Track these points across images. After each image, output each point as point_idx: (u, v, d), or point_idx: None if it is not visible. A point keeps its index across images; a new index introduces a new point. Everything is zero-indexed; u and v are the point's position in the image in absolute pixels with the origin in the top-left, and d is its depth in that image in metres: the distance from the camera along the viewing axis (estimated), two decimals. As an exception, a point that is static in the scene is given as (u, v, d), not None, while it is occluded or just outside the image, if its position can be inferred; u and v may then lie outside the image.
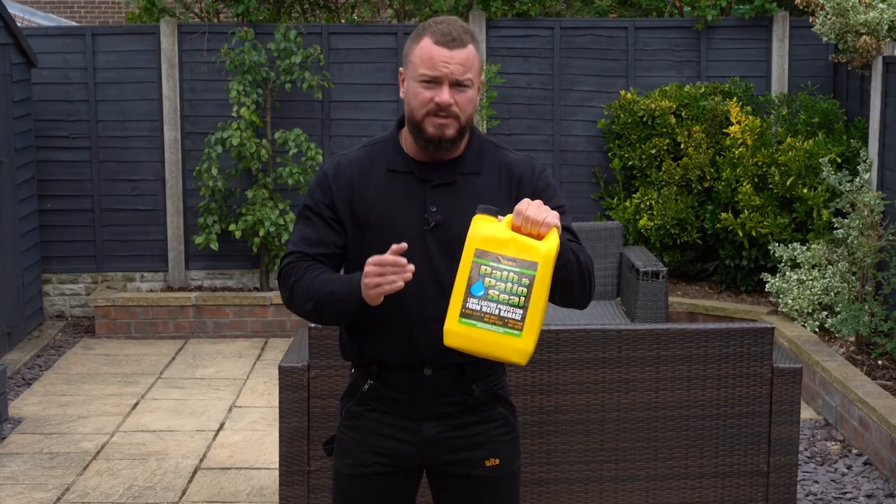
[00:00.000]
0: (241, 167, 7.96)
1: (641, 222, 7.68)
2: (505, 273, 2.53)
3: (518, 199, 2.69)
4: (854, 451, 5.51)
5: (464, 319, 2.54)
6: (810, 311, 6.76)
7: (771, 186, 7.41)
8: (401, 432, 2.83)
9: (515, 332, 2.54)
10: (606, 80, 8.23)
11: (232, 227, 7.84)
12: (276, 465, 4.78)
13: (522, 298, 2.53)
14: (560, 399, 3.88)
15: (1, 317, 7.12)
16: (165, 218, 8.20)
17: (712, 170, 7.72)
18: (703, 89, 7.95)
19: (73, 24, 14.00)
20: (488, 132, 8.01)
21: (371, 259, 2.61)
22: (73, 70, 8.12)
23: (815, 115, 7.64)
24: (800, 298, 6.79)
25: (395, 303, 2.69)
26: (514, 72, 8.19)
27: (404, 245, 2.59)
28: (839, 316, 6.40)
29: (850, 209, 6.79)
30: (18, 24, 7.74)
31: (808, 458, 5.46)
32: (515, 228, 2.56)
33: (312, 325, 3.82)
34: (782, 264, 7.20)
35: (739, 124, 7.59)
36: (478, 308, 2.53)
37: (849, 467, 5.33)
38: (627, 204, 7.86)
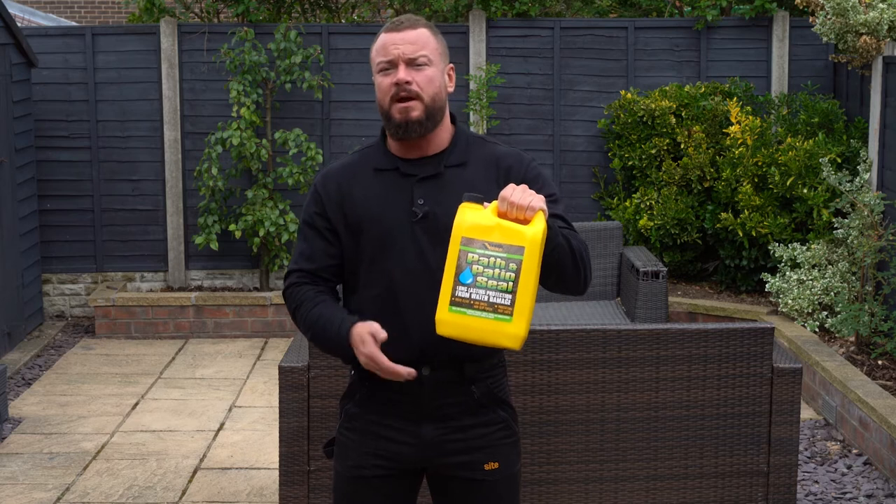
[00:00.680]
0: (241, 167, 7.96)
1: (641, 222, 7.68)
2: (492, 259, 2.54)
3: None
4: (854, 451, 5.51)
5: (454, 308, 2.55)
6: (810, 311, 6.76)
7: (771, 186, 7.41)
8: (400, 434, 2.82)
9: (506, 317, 2.55)
10: (606, 80, 8.23)
11: (232, 227, 7.84)
12: (276, 465, 4.78)
13: (511, 283, 2.54)
14: (560, 399, 3.88)
15: (1, 317, 7.12)
16: (165, 218, 8.20)
17: (712, 170, 7.72)
18: (703, 89, 7.95)
19: (73, 24, 14.00)
20: (488, 132, 8.01)
21: (368, 353, 2.67)
22: (73, 70, 8.13)
23: (815, 115, 7.64)
24: (800, 298, 6.79)
25: (388, 297, 2.70)
26: (514, 72, 8.19)
27: (384, 336, 2.66)
28: (839, 316, 6.40)
29: (850, 209, 6.79)
30: (18, 24, 7.74)
31: (808, 458, 5.46)
32: (501, 214, 2.57)
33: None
34: (782, 264, 7.20)
35: (739, 124, 7.59)
36: (467, 296, 2.54)
37: (849, 467, 5.33)
38: (627, 204, 7.86)
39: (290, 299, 2.86)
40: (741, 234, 7.45)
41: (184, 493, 5.13)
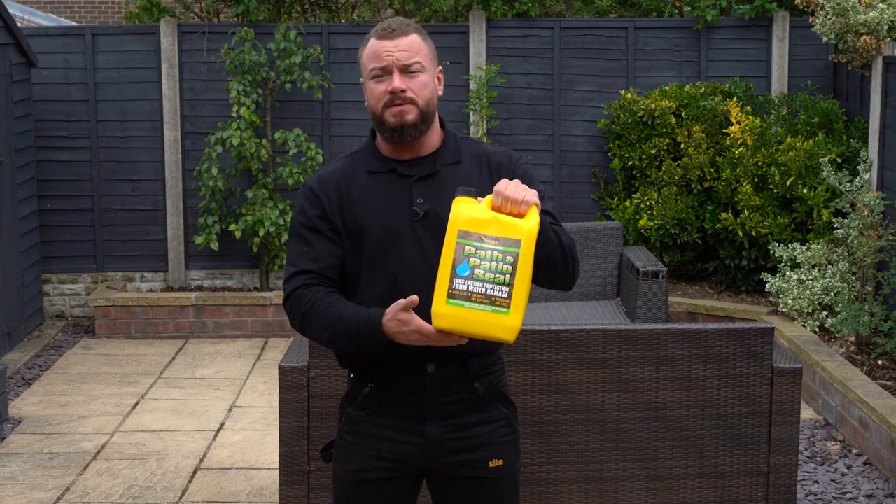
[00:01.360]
0: (241, 167, 7.96)
1: (641, 222, 7.68)
2: (489, 252, 2.55)
3: None
4: (854, 451, 5.51)
5: (451, 300, 2.56)
6: (810, 311, 6.76)
7: (771, 186, 7.41)
8: (404, 435, 2.82)
9: (503, 309, 2.55)
10: (606, 80, 8.23)
11: (232, 227, 7.84)
12: (276, 465, 4.78)
13: (508, 276, 2.55)
14: (560, 399, 3.88)
15: (1, 317, 7.12)
16: (165, 218, 8.20)
17: (712, 170, 7.72)
18: (703, 89, 7.95)
19: (73, 24, 14.00)
20: (488, 132, 8.02)
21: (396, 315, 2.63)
22: (73, 70, 8.13)
23: (815, 115, 7.64)
24: (800, 298, 6.79)
25: (391, 296, 2.70)
26: (514, 72, 8.19)
27: (415, 298, 2.61)
28: (839, 316, 6.40)
29: (850, 209, 6.79)
30: (18, 24, 7.74)
31: (808, 458, 5.46)
32: (496, 208, 2.58)
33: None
34: (782, 264, 7.20)
35: (739, 124, 7.59)
36: (464, 288, 2.55)
37: (849, 467, 5.33)
38: (627, 204, 7.86)
39: (299, 302, 2.77)
40: (741, 234, 7.45)
41: (184, 493, 5.13)
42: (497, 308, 2.55)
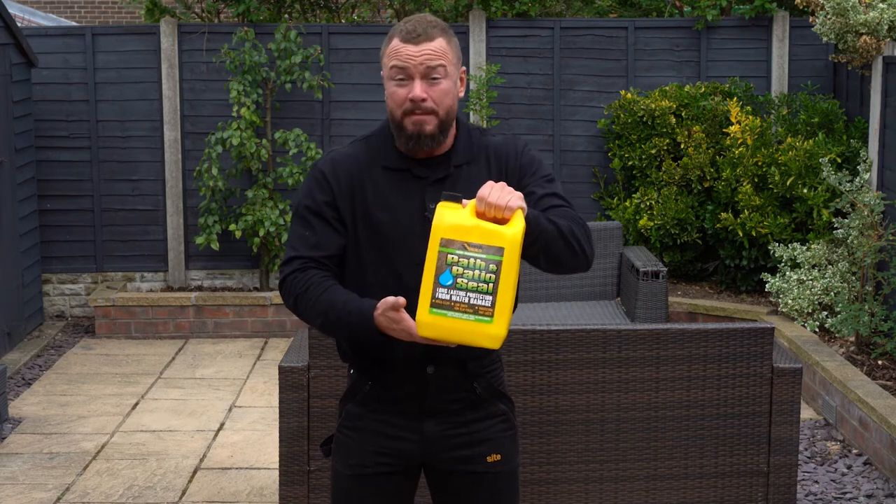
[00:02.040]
0: (241, 167, 7.96)
1: (641, 222, 7.68)
2: (472, 260, 2.53)
3: (507, 178, 2.75)
4: (854, 451, 5.51)
5: (434, 309, 2.54)
6: (810, 311, 6.76)
7: (771, 186, 7.41)
8: (403, 431, 2.82)
9: (486, 318, 2.54)
10: (606, 80, 8.23)
11: (232, 227, 7.84)
12: (276, 465, 4.78)
13: (491, 285, 2.53)
14: (560, 399, 3.88)
15: (1, 317, 7.12)
16: (165, 218, 8.20)
17: (712, 170, 7.72)
18: (703, 89, 7.95)
19: (73, 24, 14.00)
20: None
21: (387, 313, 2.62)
22: (73, 70, 8.13)
23: (815, 115, 7.64)
24: (800, 298, 6.79)
25: (396, 295, 2.69)
26: (514, 72, 8.19)
27: (402, 300, 2.60)
28: (839, 316, 6.40)
29: (850, 209, 6.79)
30: (18, 24, 7.74)
31: (808, 458, 5.46)
32: (480, 214, 2.55)
33: (312, 325, 3.81)
34: (782, 264, 7.20)
35: (739, 124, 7.59)
36: (447, 297, 2.53)
37: (849, 467, 5.33)
38: (627, 204, 7.86)
39: (293, 285, 2.74)
40: (741, 234, 7.45)
41: (184, 493, 5.13)
42: (480, 317, 2.54)
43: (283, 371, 3.89)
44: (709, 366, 3.89)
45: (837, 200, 6.96)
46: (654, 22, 8.38)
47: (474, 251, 2.53)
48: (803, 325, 6.69)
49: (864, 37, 6.85)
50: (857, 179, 6.71)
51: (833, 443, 5.65)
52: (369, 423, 2.85)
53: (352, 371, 2.91)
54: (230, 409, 6.29)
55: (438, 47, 2.71)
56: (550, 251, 2.64)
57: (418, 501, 2.97)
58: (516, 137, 2.90)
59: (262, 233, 7.76)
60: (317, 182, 2.80)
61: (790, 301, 6.81)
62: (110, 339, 7.76)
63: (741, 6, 8.11)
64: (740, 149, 7.52)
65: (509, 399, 2.92)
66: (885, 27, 6.84)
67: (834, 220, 6.95)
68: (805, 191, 7.29)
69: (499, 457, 2.86)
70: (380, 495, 2.86)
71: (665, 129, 7.81)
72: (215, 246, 7.86)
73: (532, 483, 3.91)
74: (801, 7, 7.45)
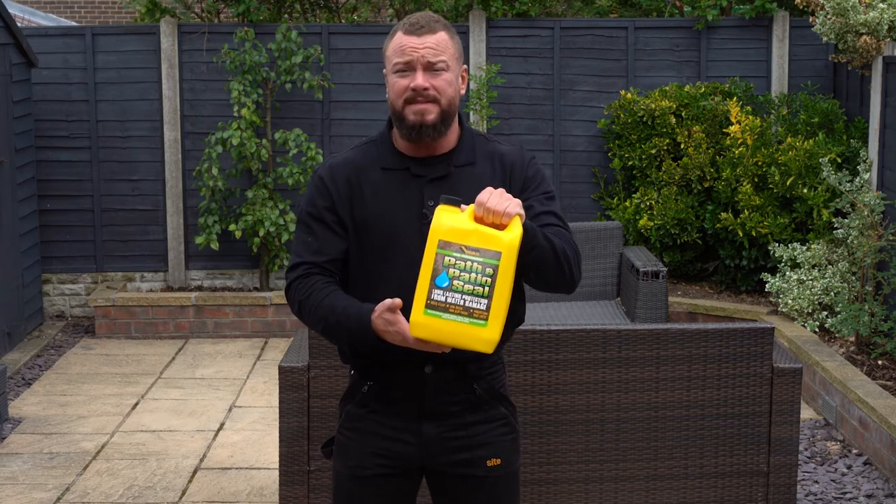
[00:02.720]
0: (241, 167, 7.96)
1: (641, 222, 7.68)
2: (469, 263, 2.54)
3: (510, 188, 2.74)
4: (854, 451, 5.51)
5: (429, 311, 2.55)
6: (810, 311, 6.76)
7: (771, 186, 7.41)
8: (402, 433, 2.82)
9: (481, 321, 2.55)
10: (606, 80, 8.23)
11: (232, 227, 7.84)
12: (276, 465, 4.78)
13: (486, 289, 2.54)
14: (560, 399, 3.88)
15: (1, 317, 7.12)
16: (165, 218, 8.20)
17: (712, 170, 7.72)
18: (703, 89, 7.96)
19: (73, 24, 14.00)
20: (488, 132, 8.01)
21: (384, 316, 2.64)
22: (73, 70, 8.13)
23: (815, 115, 7.64)
24: (800, 298, 6.79)
25: (397, 295, 2.69)
26: (514, 72, 8.19)
27: (398, 301, 2.62)
28: (839, 316, 6.40)
29: (850, 209, 6.79)
30: (18, 24, 7.74)
31: (808, 458, 5.46)
32: (478, 219, 2.57)
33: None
34: (782, 264, 7.20)
35: (739, 124, 7.59)
36: (443, 299, 2.54)
37: (849, 467, 5.33)
38: (627, 204, 7.86)
39: (297, 291, 2.78)
40: (741, 234, 7.45)
41: (184, 493, 5.13)
42: (475, 320, 2.55)
43: (283, 371, 3.89)
44: (709, 366, 3.89)
45: (837, 200, 6.96)
46: (654, 22, 8.38)
47: (471, 254, 2.54)
48: (803, 325, 6.69)
49: (864, 37, 6.85)
50: (857, 179, 6.71)
51: (833, 443, 5.65)
52: (368, 425, 2.85)
53: (352, 372, 2.91)
54: (230, 409, 6.29)
55: (441, 40, 2.73)
56: (542, 266, 2.65)
57: (419, 502, 2.97)
58: (524, 149, 2.90)
59: (262, 233, 7.76)
60: (317, 188, 2.83)
61: (790, 301, 6.81)
62: (110, 339, 7.76)
63: (741, 6, 8.11)
64: (740, 149, 7.52)
65: (510, 402, 2.91)
66: (885, 27, 6.84)
67: (834, 220, 6.95)
68: (805, 191, 7.29)
69: (498, 461, 2.85)
70: (380, 496, 2.86)
71: (665, 129, 7.81)
72: (215, 246, 7.87)
73: (532, 483, 3.91)
74: (801, 7, 7.45)
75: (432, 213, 2.71)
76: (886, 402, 5.30)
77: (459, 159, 2.80)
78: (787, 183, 7.31)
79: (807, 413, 6.00)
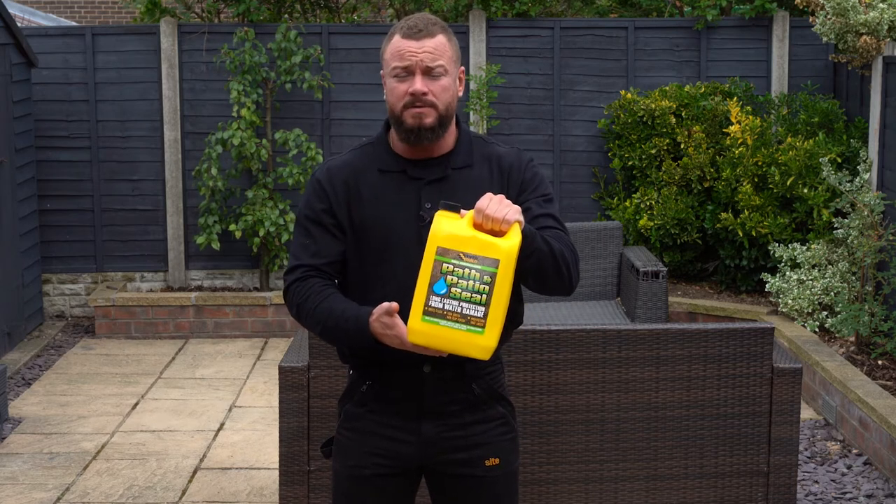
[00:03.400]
0: (241, 167, 7.96)
1: (641, 222, 7.68)
2: (467, 271, 2.54)
3: (507, 190, 2.74)
4: (854, 451, 5.51)
5: (427, 317, 2.56)
6: (810, 311, 6.76)
7: (771, 186, 7.41)
8: (400, 433, 2.82)
9: (478, 329, 2.55)
10: (606, 80, 8.23)
11: (232, 227, 7.84)
12: (276, 465, 4.78)
13: (484, 296, 2.54)
14: (560, 399, 3.88)
15: (1, 317, 7.12)
16: (165, 218, 8.20)
17: (712, 170, 7.72)
18: (703, 89, 7.96)
19: (73, 24, 14.00)
20: (488, 132, 8.01)
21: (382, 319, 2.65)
22: (73, 70, 8.13)
23: (815, 115, 7.64)
24: (800, 298, 6.79)
25: (396, 298, 2.69)
26: (514, 72, 8.19)
27: (395, 305, 2.63)
28: (839, 316, 6.40)
29: (850, 209, 6.79)
30: (18, 24, 7.74)
31: (808, 458, 5.46)
32: (477, 226, 2.56)
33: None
34: (782, 264, 7.20)
35: (739, 124, 7.59)
36: (440, 306, 2.55)
37: (849, 467, 5.33)
38: (627, 204, 7.86)
39: (295, 294, 2.80)
40: (741, 234, 7.45)
41: (184, 493, 5.13)
42: (472, 328, 2.55)
43: (283, 371, 3.89)
44: (709, 366, 3.89)
45: (837, 200, 6.96)
46: (654, 22, 8.38)
47: (470, 261, 2.54)
48: (803, 325, 6.69)
49: (864, 37, 6.85)
50: (857, 179, 6.71)
51: (833, 443, 5.65)
52: (367, 424, 2.85)
53: (351, 371, 2.91)
54: (230, 409, 6.29)
55: (439, 44, 2.73)
56: (541, 270, 2.65)
57: (419, 502, 2.97)
58: (521, 151, 2.89)
59: (262, 233, 7.76)
60: (314, 191, 2.83)
61: (790, 301, 6.81)
62: (110, 339, 7.76)
63: (741, 6, 8.11)
64: (740, 149, 7.52)
65: (509, 402, 2.92)
66: (885, 27, 6.84)
67: (834, 220, 6.95)
68: (805, 191, 7.29)
69: (497, 461, 2.85)
70: (379, 496, 2.86)
71: (665, 129, 7.81)
72: (216, 246, 7.87)
73: (532, 483, 3.91)
74: (801, 7, 7.45)
75: (429, 216, 2.71)
76: (886, 402, 5.30)
77: (457, 161, 2.80)
78: (787, 183, 7.31)
79: (807, 413, 6.00)
